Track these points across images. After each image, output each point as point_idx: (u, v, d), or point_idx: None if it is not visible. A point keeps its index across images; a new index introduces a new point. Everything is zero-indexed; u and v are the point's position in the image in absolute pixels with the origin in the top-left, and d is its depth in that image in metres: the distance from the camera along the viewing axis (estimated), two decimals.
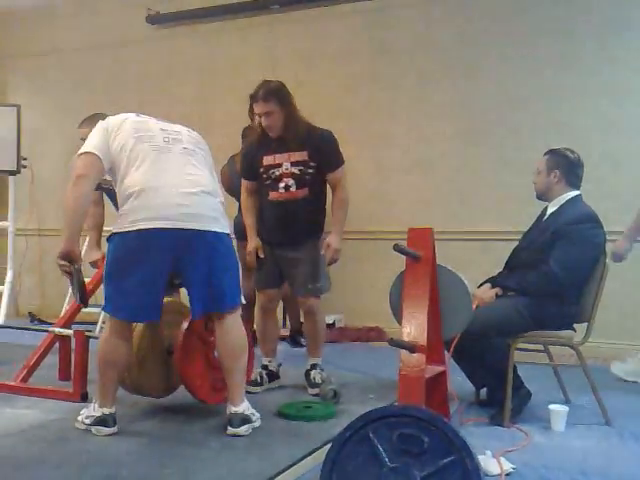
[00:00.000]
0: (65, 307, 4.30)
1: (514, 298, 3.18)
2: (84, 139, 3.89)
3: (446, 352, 2.95)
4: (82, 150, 2.76)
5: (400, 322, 2.37)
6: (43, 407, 3.23)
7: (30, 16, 6.50)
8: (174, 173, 2.75)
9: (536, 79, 4.91)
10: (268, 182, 3.47)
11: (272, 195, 3.46)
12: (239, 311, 2.89)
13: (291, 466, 2.49)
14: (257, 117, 3.42)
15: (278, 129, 3.39)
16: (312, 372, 3.58)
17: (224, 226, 2.82)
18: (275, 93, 3.36)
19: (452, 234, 4.93)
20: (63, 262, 2.79)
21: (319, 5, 5.56)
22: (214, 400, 3.11)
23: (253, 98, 3.39)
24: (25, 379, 3.50)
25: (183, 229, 2.67)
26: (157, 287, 2.74)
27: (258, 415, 2.89)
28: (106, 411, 2.81)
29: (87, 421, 2.83)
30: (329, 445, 2.08)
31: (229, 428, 2.78)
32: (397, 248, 2.37)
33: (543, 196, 3.38)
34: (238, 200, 4.90)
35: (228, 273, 2.82)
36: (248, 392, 3.27)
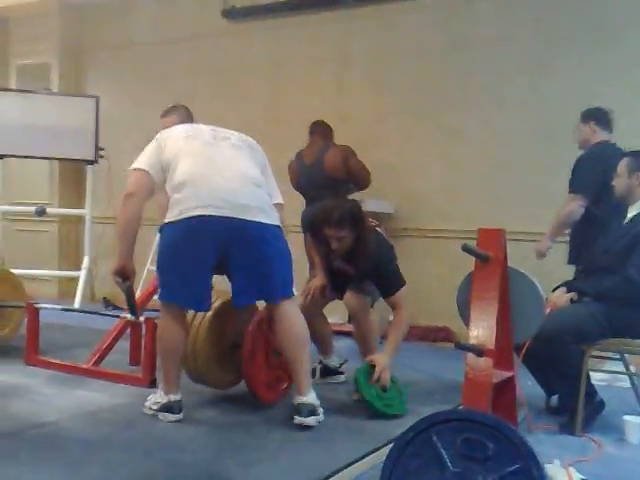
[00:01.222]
0: (137, 294, 4.38)
1: (590, 303, 3.06)
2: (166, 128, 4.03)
3: (516, 357, 2.88)
4: (133, 165, 2.87)
5: (467, 324, 2.31)
6: (113, 391, 3.32)
7: (109, 10, 6.68)
8: (222, 164, 2.81)
9: (619, 78, 4.71)
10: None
11: None
12: (296, 301, 2.90)
13: (353, 463, 2.47)
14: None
15: (344, 251, 3.23)
16: None
17: (273, 218, 2.83)
18: (349, 219, 3.13)
19: (527, 235, 4.75)
20: (117, 278, 2.91)
21: (391, 0, 5.48)
22: (268, 398, 3.14)
23: (326, 221, 3.16)
24: (97, 363, 3.60)
25: (230, 217, 2.70)
26: (204, 275, 2.79)
27: (321, 409, 2.87)
28: (172, 398, 2.87)
29: (154, 407, 2.90)
30: (391, 444, 2.05)
31: (296, 417, 2.77)
32: (465, 248, 2.30)
33: (623, 199, 3.24)
34: (304, 196, 4.93)
35: (278, 263, 2.82)
36: None
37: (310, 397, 2.81)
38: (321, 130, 5.05)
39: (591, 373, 3.09)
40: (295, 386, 2.89)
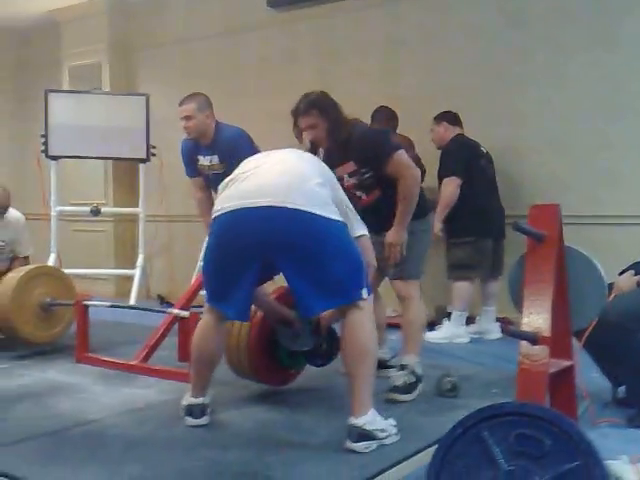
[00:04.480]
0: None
1: None
2: (182, 117, 3.96)
3: (578, 343, 2.68)
4: None
5: (520, 310, 2.14)
6: (160, 387, 3.29)
7: (155, 7, 6.67)
8: (272, 163, 2.59)
9: None
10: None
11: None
12: (366, 306, 2.51)
13: (400, 462, 2.34)
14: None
15: (324, 141, 3.14)
16: (397, 373, 3.17)
17: (328, 211, 2.46)
18: (315, 105, 3.09)
19: (592, 218, 4.57)
20: None
21: None
22: (271, 382, 3.14)
23: (296, 114, 3.14)
24: (145, 359, 3.58)
25: (268, 207, 2.41)
26: (240, 280, 2.51)
27: (393, 431, 2.52)
28: (193, 401, 2.73)
29: (181, 408, 2.78)
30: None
31: (347, 441, 2.44)
32: (517, 227, 2.13)
33: None
34: None
35: (336, 259, 2.44)
36: None
37: (363, 419, 2.43)
38: (382, 116, 4.93)
39: None
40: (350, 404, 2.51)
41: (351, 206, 2.74)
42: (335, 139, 3.11)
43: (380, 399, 2.93)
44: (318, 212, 2.43)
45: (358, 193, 3.21)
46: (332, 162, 3.03)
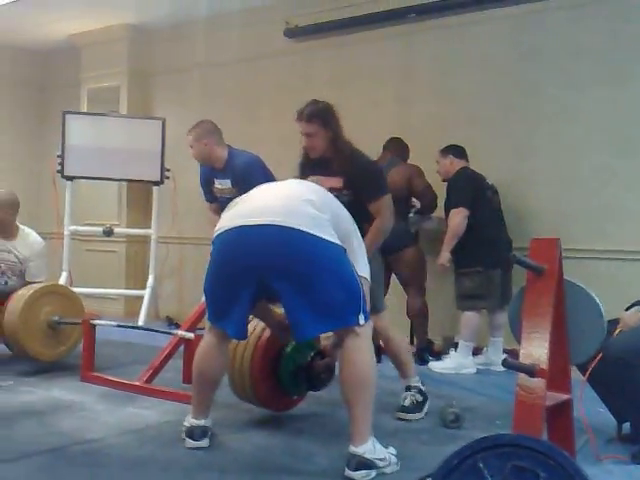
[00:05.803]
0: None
1: None
2: (191, 145, 4.01)
3: (582, 377, 2.67)
4: None
5: (519, 341, 2.14)
6: (162, 408, 3.30)
7: (174, 33, 6.78)
8: (276, 189, 2.71)
9: None
10: None
11: None
12: (363, 333, 2.48)
13: None
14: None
15: (319, 151, 3.19)
16: (404, 394, 3.29)
17: (324, 232, 2.45)
18: (319, 114, 3.14)
19: (598, 252, 4.57)
20: None
21: (457, 12, 5.34)
22: (271, 408, 3.14)
23: (298, 117, 3.19)
24: (149, 380, 3.59)
25: (262, 225, 2.44)
26: (237, 298, 2.51)
27: (393, 460, 2.51)
28: (194, 422, 2.73)
29: (183, 429, 2.77)
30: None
31: (346, 469, 2.43)
32: (516, 259, 2.13)
33: None
34: None
35: (330, 280, 2.42)
36: None
37: (363, 448, 2.42)
38: (393, 146, 5.03)
39: None
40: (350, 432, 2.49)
41: (361, 240, 2.74)
42: (333, 154, 3.16)
43: (383, 426, 2.94)
44: (316, 233, 2.43)
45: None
46: (324, 170, 3.13)
